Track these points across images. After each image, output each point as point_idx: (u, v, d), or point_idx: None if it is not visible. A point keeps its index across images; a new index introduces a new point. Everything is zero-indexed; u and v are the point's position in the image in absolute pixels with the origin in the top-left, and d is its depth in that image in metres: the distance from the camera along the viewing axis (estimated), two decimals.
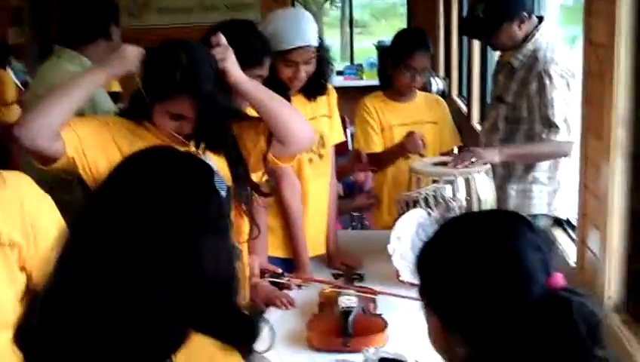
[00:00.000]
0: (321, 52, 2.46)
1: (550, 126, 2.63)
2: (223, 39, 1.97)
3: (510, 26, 2.75)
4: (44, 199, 1.75)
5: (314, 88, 2.54)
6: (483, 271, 1.04)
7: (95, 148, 1.89)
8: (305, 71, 2.41)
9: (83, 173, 1.90)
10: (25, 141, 1.78)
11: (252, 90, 1.99)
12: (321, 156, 2.63)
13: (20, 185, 1.70)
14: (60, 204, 1.91)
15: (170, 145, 1.75)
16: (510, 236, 1.05)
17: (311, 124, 2.33)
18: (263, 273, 2.27)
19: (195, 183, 1.20)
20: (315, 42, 2.41)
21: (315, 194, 2.63)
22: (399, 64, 3.07)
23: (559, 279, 1.02)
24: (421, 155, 2.94)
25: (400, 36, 3.24)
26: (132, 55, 1.90)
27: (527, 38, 2.78)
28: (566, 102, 2.63)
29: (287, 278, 2.29)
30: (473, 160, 2.56)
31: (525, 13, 2.76)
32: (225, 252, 1.19)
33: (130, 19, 8.17)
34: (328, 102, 2.66)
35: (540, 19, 2.85)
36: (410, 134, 2.99)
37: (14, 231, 1.65)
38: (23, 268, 1.69)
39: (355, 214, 3.75)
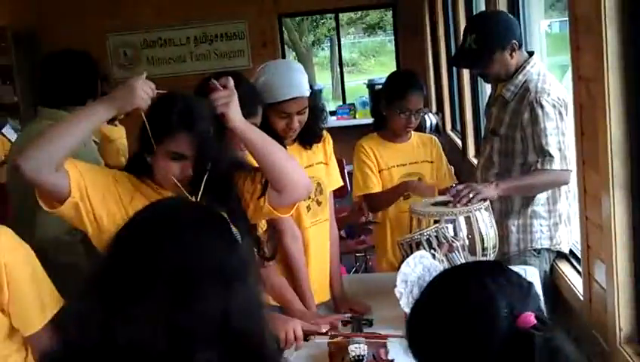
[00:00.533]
0: (313, 100, 2.49)
1: (544, 155, 2.63)
2: (231, 82, 1.98)
3: (502, 54, 2.78)
4: (20, 249, 1.82)
5: (309, 136, 2.56)
6: (452, 322, 1.13)
7: (99, 194, 1.88)
8: (298, 121, 2.43)
9: (87, 220, 1.87)
10: (28, 173, 1.74)
11: (250, 135, 1.98)
12: (319, 203, 2.64)
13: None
14: (64, 266, 1.91)
15: (182, 196, 1.75)
16: (474, 287, 1.13)
17: (308, 172, 2.39)
18: (306, 335, 2.23)
19: (219, 235, 1.20)
20: (307, 92, 2.43)
21: (316, 242, 2.63)
22: (393, 106, 3.09)
23: (528, 318, 1.08)
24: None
25: (392, 78, 3.27)
26: (141, 90, 1.83)
27: (518, 70, 2.81)
28: (559, 131, 2.64)
29: (329, 333, 2.26)
30: (471, 195, 2.55)
31: (515, 42, 2.78)
32: (255, 301, 1.18)
33: (121, 71, 8.28)
34: (324, 149, 2.68)
35: (531, 53, 2.89)
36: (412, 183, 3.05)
37: None
38: (2, 310, 1.78)
39: (358, 255, 3.73)
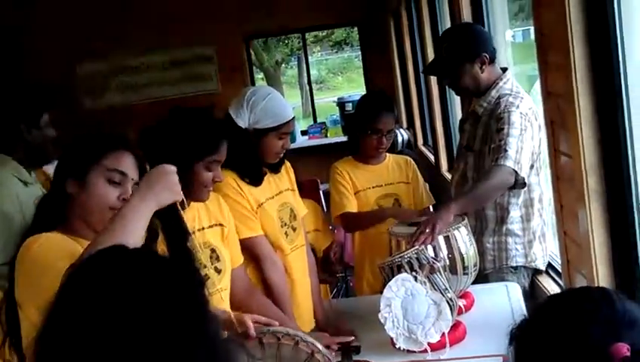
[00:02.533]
0: None
1: (500, 152, 2.58)
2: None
3: (472, 66, 2.79)
4: None
5: (279, 162, 2.64)
6: (546, 341, 1.14)
7: None
8: (289, 141, 2.58)
9: None
10: None
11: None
12: (294, 229, 2.66)
13: None
14: None
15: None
16: (570, 312, 1.14)
17: (279, 199, 2.61)
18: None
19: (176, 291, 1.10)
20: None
21: (296, 267, 2.63)
22: (365, 128, 3.11)
23: (620, 349, 1.07)
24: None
25: (363, 101, 3.29)
26: (176, 183, 1.69)
27: (491, 86, 2.83)
28: (521, 138, 2.61)
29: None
30: (427, 230, 2.41)
31: (486, 55, 2.79)
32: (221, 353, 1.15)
33: (90, 100, 8.21)
34: (288, 176, 2.74)
35: (504, 70, 2.90)
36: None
37: None
38: None
39: (339, 275, 3.72)
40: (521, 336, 1.20)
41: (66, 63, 7.98)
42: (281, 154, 2.58)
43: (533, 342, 1.16)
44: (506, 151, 2.59)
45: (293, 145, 7.47)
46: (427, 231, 2.40)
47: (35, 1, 7.80)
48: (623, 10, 1.86)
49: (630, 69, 1.89)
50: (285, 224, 2.61)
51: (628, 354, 1.07)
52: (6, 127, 2.68)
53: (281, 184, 2.67)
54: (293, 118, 2.56)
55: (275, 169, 2.64)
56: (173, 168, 1.69)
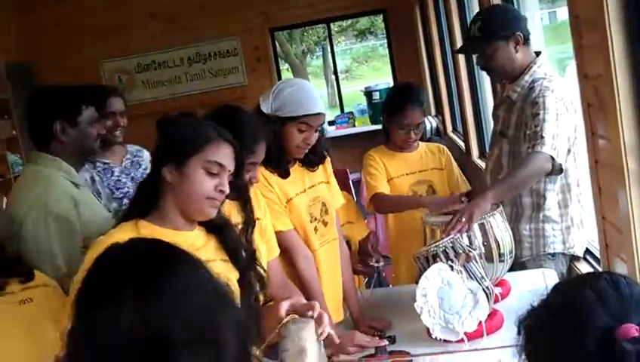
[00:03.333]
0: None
1: (537, 138, 2.54)
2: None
3: (506, 44, 2.74)
4: None
5: (315, 158, 2.58)
6: (553, 327, 1.12)
7: None
8: (314, 137, 2.47)
9: None
10: None
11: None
12: (325, 223, 2.62)
13: None
14: None
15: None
16: (579, 299, 1.12)
17: (311, 193, 2.55)
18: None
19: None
20: (324, 110, 2.50)
21: (327, 262, 2.61)
22: (393, 121, 3.09)
23: (629, 330, 1.05)
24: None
25: (391, 93, 3.29)
26: None
27: (525, 70, 2.78)
28: (557, 124, 2.57)
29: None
30: (464, 219, 2.39)
31: (520, 35, 2.74)
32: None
33: (117, 97, 8.26)
34: (324, 169, 2.68)
35: (538, 53, 2.85)
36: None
37: None
38: None
39: (378, 265, 3.69)
40: (528, 325, 1.18)
41: (91, 62, 8.06)
42: (304, 149, 2.48)
43: (541, 330, 1.14)
44: (542, 137, 2.54)
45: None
46: (463, 219, 2.38)
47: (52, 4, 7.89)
48: None
49: None
50: (315, 219, 2.58)
51: (637, 334, 1.04)
52: (41, 126, 2.53)
53: (315, 177, 2.62)
54: (320, 113, 2.45)
55: (310, 165, 2.59)
56: None
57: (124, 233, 1.74)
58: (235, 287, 1.88)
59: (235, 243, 1.96)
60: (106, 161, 3.20)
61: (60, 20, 7.98)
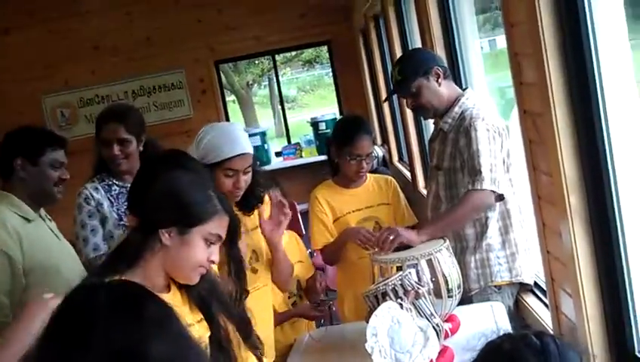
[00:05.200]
0: (253, 162, 2.46)
1: (476, 174, 2.63)
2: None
3: (428, 80, 2.82)
4: None
5: (251, 200, 2.51)
6: None
7: None
8: (244, 180, 2.41)
9: None
10: None
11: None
12: (255, 271, 2.57)
13: None
14: None
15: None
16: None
17: (245, 239, 2.43)
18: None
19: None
20: (251, 150, 2.44)
21: (255, 308, 2.52)
22: (343, 153, 3.08)
23: None
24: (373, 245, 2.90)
25: (340, 125, 3.28)
26: None
27: (454, 103, 2.84)
28: (491, 154, 2.65)
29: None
30: (391, 237, 2.57)
31: (439, 68, 2.84)
32: None
33: (61, 133, 8.08)
34: (259, 213, 2.60)
35: (464, 89, 2.94)
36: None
37: None
38: None
39: (322, 299, 3.67)
40: None
41: (32, 96, 7.90)
42: (236, 194, 2.41)
43: None
44: (480, 172, 2.61)
45: (268, 168, 7.43)
46: (387, 235, 2.58)
47: None
48: (596, 23, 1.84)
49: (607, 83, 1.87)
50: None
51: None
52: (2, 161, 2.61)
53: (250, 222, 2.56)
54: (243, 154, 2.38)
55: (249, 207, 2.52)
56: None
57: None
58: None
59: (208, 301, 1.93)
60: (125, 184, 3.03)
61: (3, 53, 7.79)
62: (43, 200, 2.69)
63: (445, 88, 2.85)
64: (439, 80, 2.83)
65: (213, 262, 1.84)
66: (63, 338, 1.08)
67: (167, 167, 1.95)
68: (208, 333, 1.91)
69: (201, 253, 1.80)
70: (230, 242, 2.00)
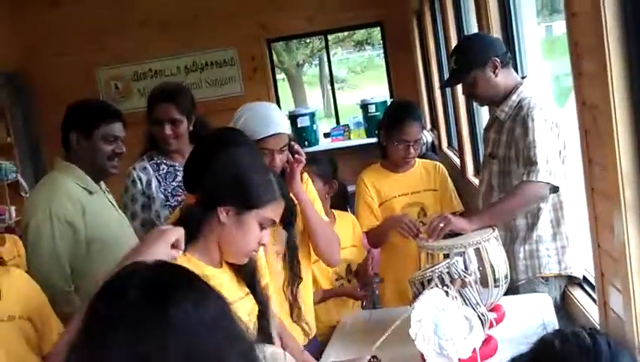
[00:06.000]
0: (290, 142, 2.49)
1: (531, 165, 2.59)
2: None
3: (484, 72, 2.79)
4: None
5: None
6: None
7: None
8: (280, 159, 2.43)
9: None
10: None
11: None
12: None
13: None
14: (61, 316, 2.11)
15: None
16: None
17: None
18: None
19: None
20: (287, 130, 2.48)
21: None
22: (391, 138, 3.08)
23: None
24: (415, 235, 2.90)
25: (390, 110, 3.29)
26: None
27: (511, 92, 2.80)
28: (548, 146, 2.61)
29: None
30: (442, 225, 2.54)
31: (496, 58, 2.79)
32: None
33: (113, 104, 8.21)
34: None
35: (524, 77, 2.89)
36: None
37: None
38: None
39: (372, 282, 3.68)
40: None
41: (87, 69, 8.03)
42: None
43: None
44: (536, 163, 2.57)
45: (316, 148, 7.45)
46: (441, 225, 2.52)
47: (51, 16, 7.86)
48: None
49: None
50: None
51: None
52: (63, 134, 2.71)
53: None
54: (276, 134, 2.40)
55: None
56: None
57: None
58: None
59: (254, 278, 1.98)
60: (174, 163, 3.09)
61: (55, 25, 7.94)
62: (97, 174, 2.75)
63: (502, 78, 2.81)
64: (496, 70, 2.79)
65: (263, 245, 1.88)
66: (89, 334, 1.08)
67: (228, 145, 1.98)
68: (257, 307, 1.95)
69: (254, 235, 1.84)
70: (286, 227, 2.02)
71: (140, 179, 3.04)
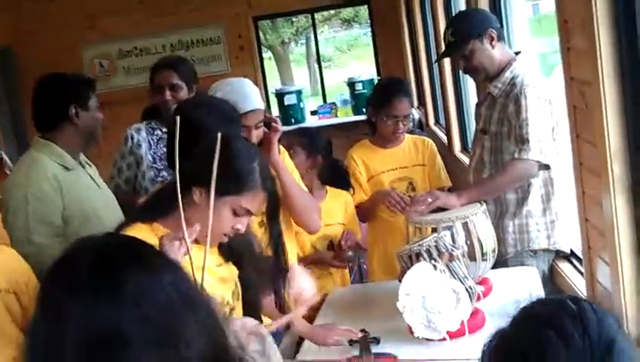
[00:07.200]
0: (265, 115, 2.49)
1: (523, 143, 2.61)
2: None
3: (481, 42, 2.78)
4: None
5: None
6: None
7: None
8: (256, 135, 2.42)
9: None
10: None
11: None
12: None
13: None
14: None
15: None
16: (539, 332, 1.10)
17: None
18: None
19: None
20: (262, 105, 2.47)
21: None
22: (380, 113, 3.09)
23: None
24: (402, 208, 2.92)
25: (379, 86, 3.30)
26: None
27: (505, 67, 2.80)
28: (540, 124, 2.63)
29: None
30: (430, 200, 2.56)
31: (493, 30, 2.79)
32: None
33: (98, 83, 8.14)
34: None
35: (517, 53, 2.89)
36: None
37: None
38: None
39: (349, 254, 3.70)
40: (491, 351, 1.15)
41: (73, 47, 7.94)
42: None
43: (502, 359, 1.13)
44: (528, 141, 2.59)
45: (303, 125, 7.42)
46: (429, 200, 2.55)
47: None
48: None
49: None
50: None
51: None
52: (55, 110, 2.68)
53: None
54: (252, 111, 2.39)
55: None
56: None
57: (138, 233, 1.74)
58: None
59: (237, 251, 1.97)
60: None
61: (41, 2, 7.84)
62: (91, 143, 2.78)
63: (498, 51, 2.81)
64: (493, 42, 2.79)
65: (238, 231, 1.84)
66: (45, 309, 1.08)
67: (215, 121, 1.95)
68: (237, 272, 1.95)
69: (226, 221, 1.81)
70: (270, 218, 2.00)
71: (132, 138, 3.16)
